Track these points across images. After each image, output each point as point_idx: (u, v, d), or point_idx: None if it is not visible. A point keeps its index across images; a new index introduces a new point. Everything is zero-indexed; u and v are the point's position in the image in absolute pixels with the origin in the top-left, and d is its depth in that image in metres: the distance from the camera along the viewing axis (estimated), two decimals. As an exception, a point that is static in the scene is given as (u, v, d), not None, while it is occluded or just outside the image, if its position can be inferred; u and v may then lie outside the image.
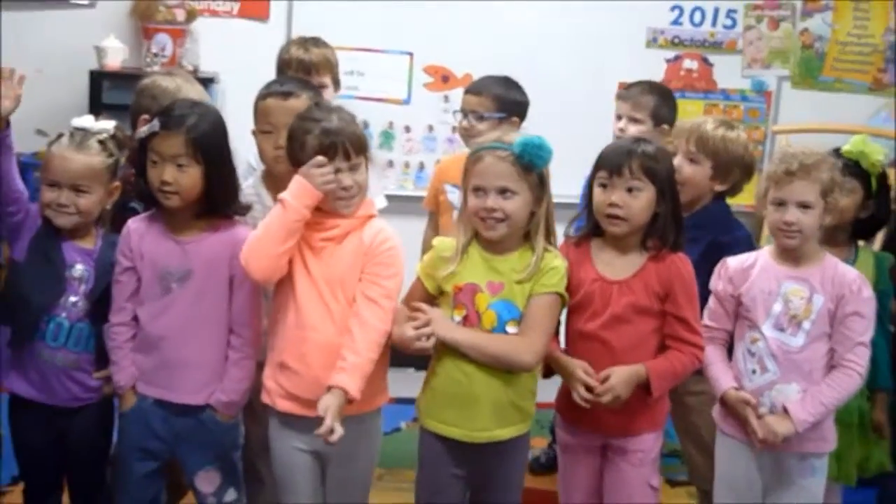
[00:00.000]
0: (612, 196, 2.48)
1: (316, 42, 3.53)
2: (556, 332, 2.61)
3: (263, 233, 2.42)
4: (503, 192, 2.41)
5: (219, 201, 2.53)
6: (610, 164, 2.51)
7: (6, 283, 2.69)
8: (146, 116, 2.66)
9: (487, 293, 2.46)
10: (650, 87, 3.66)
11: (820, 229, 2.59)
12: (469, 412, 2.47)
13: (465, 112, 3.44)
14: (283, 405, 2.48)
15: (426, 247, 3.35)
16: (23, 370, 2.55)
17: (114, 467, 2.72)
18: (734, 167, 2.97)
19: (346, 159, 2.39)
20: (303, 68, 3.39)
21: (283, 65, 3.47)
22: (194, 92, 2.98)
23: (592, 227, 2.59)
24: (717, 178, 2.99)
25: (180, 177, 2.42)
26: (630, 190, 2.46)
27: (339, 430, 2.27)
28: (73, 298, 2.58)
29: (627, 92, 3.62)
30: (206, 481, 2.61)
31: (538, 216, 2.47)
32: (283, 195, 2.42)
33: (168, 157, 2.42)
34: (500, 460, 2.54)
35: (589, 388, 2.39)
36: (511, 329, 2.46)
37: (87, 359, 2.59)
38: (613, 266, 2.55)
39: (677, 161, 2.91)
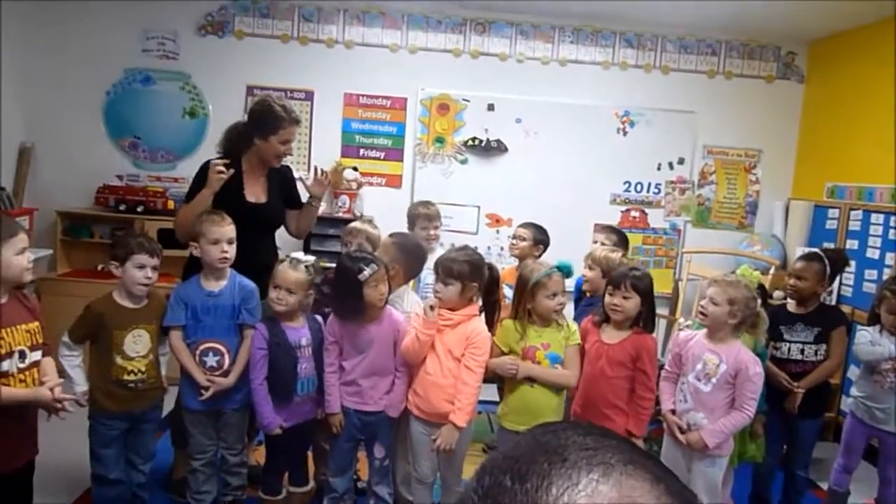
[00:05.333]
0: (614, 300, 2.70)
1: (429, 203, 3.87)
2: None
3: (413, 348, 2.64)
4: (564, 293, 2.71)
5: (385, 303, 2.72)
6: (614, 282, 2.73)
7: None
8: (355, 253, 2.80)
9: (542, 350, 2.68)
10: (612, 228, 4.07)
11: (728, 324, 2.63)
12: (536, 417, 2.57)
13: (516, 237, 3.85)
14: (414, 411, 2.73)
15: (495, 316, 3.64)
16: (282, 409, 2.74)
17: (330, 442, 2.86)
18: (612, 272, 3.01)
19: (437, 275, 2.66)
20: (426, 217, 3.73)
21: (414, 216, 3.76)
22: (374, 230, 3.24)
23: (605, 315, 2.78)
24: (605, 278, 3.08)
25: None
26: (624, 297, 2.69)
27: (451, 449, 2.59)
28: (304, 365, 2.73)
29: (603, 230, 4.01)
30: (378, 451, 2.79)
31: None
32: (418, 329, 2.63)
33: (381, 280, 2.65)
34: None
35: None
36: (558, 367, 2.68)
37: (314, 397, 2.79)
38: (609, 335, 2.76)
39: (584, 270, 3.16)
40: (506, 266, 4.26)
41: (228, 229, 2.75)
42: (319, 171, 3.24)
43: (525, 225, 3.88)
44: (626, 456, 0.55)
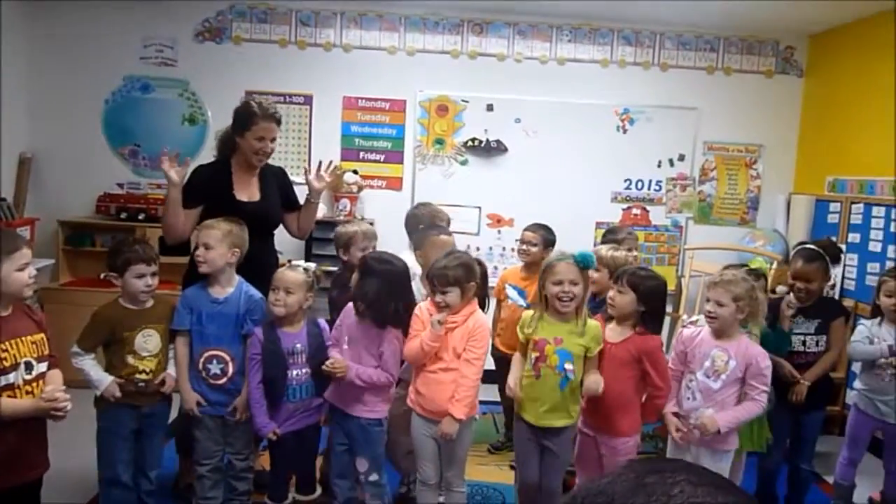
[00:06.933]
0: (610, 293, 2.73)
1: (428, 204, 3.85)
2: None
3: (417, 356, 2.66)
4: (573, 283, 2.59)
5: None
6: (615, 277, 2.76)
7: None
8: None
9: (553, 345, 2.60)
10: (616, 230, 4.06)
11: (736, 320, 2.64)
12: (538, 409, 2.66)
13: (525, 242, 3.77)
14: (417, 409, 2.72)
15: (495, 315, 3.80)
16: (279, 416, 2.74)
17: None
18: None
19: (433, 287, 2.64)
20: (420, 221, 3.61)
21: (412, 217, 3.68)
22: (369, 231, 3.28)
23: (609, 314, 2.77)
24: (612, 278, 3.00)
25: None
26: (619, 292, 2.68)
27: (452, 438, 2.61)
28: (296, 372, 2.72)
29: (612, 234, 3.89)
30: (361, 464, 2.74)
31: (585, 297, 2.66)
32: (424, 339, 2.62)
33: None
34: (556, 439, 2.68)
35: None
36: (567, 366, 2.58)
37: (311, 402, 2.79)
38: (612, 334, 2.73)
39: (592, 272, 2.82)
40: (508, 266, 4.27)
41: (203, 234, 2.78)
42: (320, 166, 3.24)
43: (533, 228, 3.81)
44: None
